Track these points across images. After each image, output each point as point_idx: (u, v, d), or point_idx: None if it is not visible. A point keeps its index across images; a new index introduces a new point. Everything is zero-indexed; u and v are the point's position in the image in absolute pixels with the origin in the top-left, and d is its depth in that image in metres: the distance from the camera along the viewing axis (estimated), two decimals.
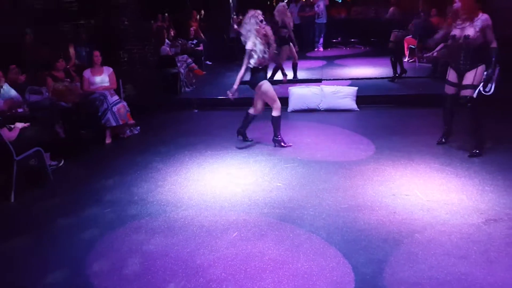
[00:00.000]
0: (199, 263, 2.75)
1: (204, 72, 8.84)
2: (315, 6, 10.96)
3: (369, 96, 6.42)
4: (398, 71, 7.41)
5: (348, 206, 3.40)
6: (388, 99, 6.46)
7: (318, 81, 7.37)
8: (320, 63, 9.56)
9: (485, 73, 4.04)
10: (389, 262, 2.66)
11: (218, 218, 3.33)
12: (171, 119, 6.46)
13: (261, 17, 4.53)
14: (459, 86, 4.23)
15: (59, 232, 3.30)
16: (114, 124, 5.30)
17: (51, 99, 4.93)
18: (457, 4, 4.12)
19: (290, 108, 6.42)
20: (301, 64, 9.60)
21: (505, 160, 4.09)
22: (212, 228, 3.17)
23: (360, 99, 6.27)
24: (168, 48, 7.95)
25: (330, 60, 9.74)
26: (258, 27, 4.48)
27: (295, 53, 7.50)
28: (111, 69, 5.66)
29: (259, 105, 4.88)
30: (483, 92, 4.03)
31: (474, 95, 4.05)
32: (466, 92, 4.16)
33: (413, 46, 8.58)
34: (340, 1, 14.76)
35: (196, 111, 6.83)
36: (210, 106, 6.90)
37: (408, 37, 8.90)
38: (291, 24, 7.43)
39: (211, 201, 3.63)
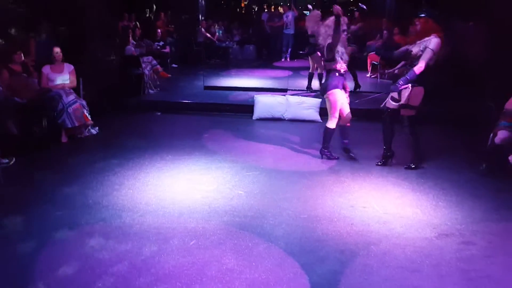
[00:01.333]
0: (154, 272, 2.65)
1: (169, 75, 8.67)
2: (284, 16, 11.12)
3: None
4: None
5: (307, 216, 3.43)
6: (351, 112, 6.60)
7: (283, 90, 7.44)
8: (286, 73, 9.68)
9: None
10: (345, 273, 2.69)
11: (176, 225, 3.24)
12: (133, 121, 6.27)
13: (345, 27, 4.47)
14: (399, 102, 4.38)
15: (6, 234, 3.08)
16: (69, 125, 5.08)
17: (5, 93, 4.63)
18: (417, 27, 4.29)
19: (255, 116, 6.43)
20: (267, 73, 9.74)
21: (459, 177, 4.27)
22: (169, 235, 3.08)
23: (324, 110, 6.38)
24: (133, 48, 7.76)
25: (296, 71, 9.88)
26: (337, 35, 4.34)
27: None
28: (72, 67, 5.43)
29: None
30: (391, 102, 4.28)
31: (381, 105, 4.31)
32: (403, 112, 4.33)
33: (375, 62, 8.90)
34: (308, 14, 15.08)
35: (159, 114, 6.68)
36: (174, 109, 6.78)
37: (371, 53, 9.24)
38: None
39: (169, 207, 3.53)
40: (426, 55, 4.07)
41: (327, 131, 4.61)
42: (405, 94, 4.23)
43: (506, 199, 3.83)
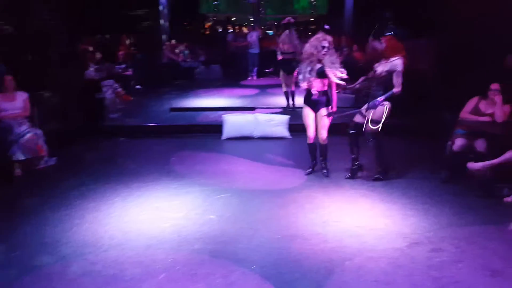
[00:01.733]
0: None
1: (132, 98, 8.46)
2: (248, 36, 11.25)
3: (300, 124, 6.55)
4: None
5: (282, 236, 3.35)
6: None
7: (252, 109, 7.42)
8: (253, 91, 9.71)
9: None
10: None
11: (143, 258, 3.05)
12: (94, 148, 5.97)
13: (326, 44, 4.37)
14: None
15: None
16: (21, 158, 4.77)
17: None
18: (381, 45, 4.37)
19: (224, 136, 6.34)
20: (235, 92, 9.72)
21: (423, 186, 4.36)
22: (137, 270, 2.89)
23: (292, 127, 6.39)
24: (93, 72, 7.51)
25: (263, 89, 9.93)
26: (315, 53, 4.36)
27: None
28: (26, 95, 5.15)
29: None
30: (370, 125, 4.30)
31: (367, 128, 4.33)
32: (368, 127, 4.37)
33: None
34: (271, 34, 15.39)
35: (122, 139, 6.43)
36: (139, 134, 6.54)
37: None
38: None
39: (136, 239, 3.34)
40: (399, 79, 4.22)
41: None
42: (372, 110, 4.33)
43: (467, 203, 3.98)
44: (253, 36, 11.08)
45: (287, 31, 7.41)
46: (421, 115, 6.29)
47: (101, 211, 3.87)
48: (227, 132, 6.35)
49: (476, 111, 4.55)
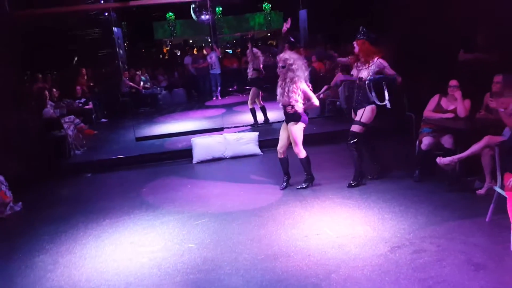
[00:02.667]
0: None
1: (95, 132, 8.22)
2: (208, 57, 11.29)
3: (269, 140, 6.61)
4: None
5: (264, 256, 3.30)
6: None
7: (220, 129, 7.40)
8: (219, 111, 9.70)
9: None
10: None
11: None
12: (61, 187, 5.73)
13: (281, 63, 4.40)
14: None
15: None
16: None
17: None
18: (356, 49, 4.48)
19: (195, 160, 6.26)
20: (201, 113, 9.68)
21: (398, 187, 4.46)
22: None
23: (263, 143, 6.42)
24: (51, 110, 7.25)
25: (229, 108, 9.96)
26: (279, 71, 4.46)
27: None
28: None
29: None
30: (378, 103, 4.38)
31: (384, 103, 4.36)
32: (353, 127, 4.53)
33: None
34: (231, 52, 15.54)
35: (89, 175, 6.20)
36: (106, 168, 6.32)
37: None
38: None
39: (113, 279, 3.19)
40: (391, 70, 4.38)
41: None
42: (359, 113, 4.47)
43: (442, 200, 4.07)
44: (213, 57, 11.14)
45: (249, 49, 7.58)
46: (388, 116, 6.44)
47: (75, 253, 3.68)
48: (197, 155, 6.28)
49: (438, 108, 4.70)
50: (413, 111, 5.65)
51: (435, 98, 4.77)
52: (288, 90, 4.37)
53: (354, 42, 4.49)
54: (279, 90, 4.47)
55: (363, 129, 4.48)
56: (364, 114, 4.45)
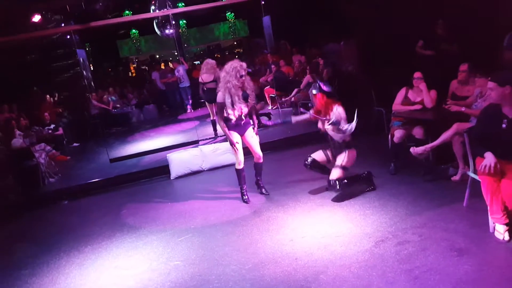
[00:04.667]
0: None
1: (68, 157, 8.03)
2: (176, 71, 11.25)
3: (245, 147, 6.64)
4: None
5: (252, 265, 3.31)
6: (263, 146, 6.76)
7: (195, 142, 7.36)
8: (193, 124, 9.65)
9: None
10: None
11: None
12: (37, 218, 5.56)
13: (243, 72, 4.33)
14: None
15: None
16: None
17: None
18: (316, 102, 4.37)
19: (173, 175, 6.20)
20: (175, 127, 9.60)
21: (376, 182, 4.48)
22: None
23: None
24: (21, 140, 7.03)
25: (202, 119, 9.92)
26: (236, 82, 4.30)
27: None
28: None
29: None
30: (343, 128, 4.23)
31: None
32: (333, 174, 4.27)
33: (273, 95, 9.37)
34: (198, 63, 15.50)
35: (65, 202, 6.03)
36: (82, 193, 6.16)
37: (266, 87, 9.73)
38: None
39: None
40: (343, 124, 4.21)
41: (236, 172, 4.66)
42: (341, 157, 4.31)
43: (419, 190, 4.18)
44: (180, 71, 11.09)
45: (207, 63, 7.38)
46: (358, 114, 6.53)
47: (59, 283, 3.59)
48: (175, 171, 6.23)
49: (406, 101, 4.81)
50: (383, 106, 5.80)
51: (402, 91, 4.87)
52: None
53: (313, 97, 4.39)
54: (237, 101, 4.42)
55: (344, 173, 4.30)
56: (345, 159, 4.29)
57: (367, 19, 6.72)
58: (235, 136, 4.51)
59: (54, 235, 4.74)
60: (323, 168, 4.57)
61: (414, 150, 4.19)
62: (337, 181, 4.21)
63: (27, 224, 5.38)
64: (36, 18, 7.55)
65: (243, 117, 4.50)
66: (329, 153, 4.51)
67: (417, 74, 4.75)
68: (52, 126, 8.60)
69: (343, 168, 4.28)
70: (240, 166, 4.60)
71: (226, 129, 4.48)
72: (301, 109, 4.47)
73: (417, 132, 4.62)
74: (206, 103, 7.50)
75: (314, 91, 4.36)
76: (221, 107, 4.42)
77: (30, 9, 7.32)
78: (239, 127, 4.52)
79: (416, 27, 5.99)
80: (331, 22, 8.37)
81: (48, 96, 9.80)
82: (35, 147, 7.03)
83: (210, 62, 7.32)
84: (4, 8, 6.65)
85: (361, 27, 7.01)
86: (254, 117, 4.67)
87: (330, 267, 3.08)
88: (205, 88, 7.23)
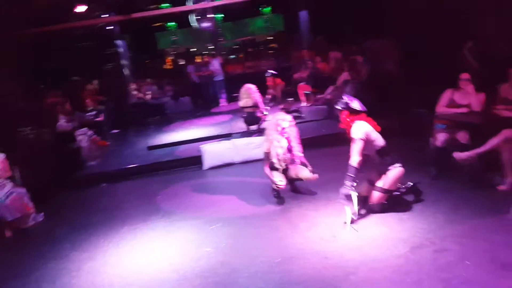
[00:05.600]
0: None
1: (108, 143, 8.38)
2: (210, 65, 11.41)
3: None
4: None
5: (281, 259, 3.34)
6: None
7: (228, 135, 7.48)
8: (226, 117, 9.79)
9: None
10: None
11: None
12: (78, 198, 5.87)
13: (285, 125, 4.45)
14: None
15: None
16: (10, 218, 4.69)
17: None
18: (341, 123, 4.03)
19: (205, 166, 6.35)
20: (208, 120, 9.77)
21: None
22: None
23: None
24: (65, 124, 7.41)
25: (236, 113, 10.04)
26: (276, 135, 4.42)
27: None
28: (2, 156, 5.05)
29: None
30: None
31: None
32: (374, 198, 3.89)
33: (307, 92, 9.33)
34: (233, 57, 15.64)
35: (104, 185, 6.33)
36: (120, 177, 6.44)
37: (301, 83, 9.70)
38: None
39: (135, 283, 3.29)
40: (355, 147, 3.73)
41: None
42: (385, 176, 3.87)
43: (461, 197, 3.95)
44: (215, 64, 11.25)
45: (243, 88, 7.42)
46: (397, 115, 6.34)
47: (97, 260, 3.79)
48: (208, 162, 6.37)
49: (451, 103, 4.51)
50: (425, 108, 5.57)
51: (447, 93, 4.56)
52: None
53: (338, 114, 4.00)
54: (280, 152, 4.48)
55: (386, 197, 3.87)
56: (388, 180, 3.79)
57: (411, 14, 6.46)
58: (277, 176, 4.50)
59: (93, 215, 5.00)
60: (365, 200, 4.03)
61: (458, 155, 3.99)
62: (376, 205, 3.85)
63: (69, 203, 5.70)
64: (81, 8, 7.88)
65: (290, 167, 4.52)
66: (373, 176, 3.96)
67: (465, 75, 4.46)
68: (94, 112, 8.98)
69: (386, 191, 3.82)
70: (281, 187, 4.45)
71: (269, 173, 4.55)
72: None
73: (462, 136, 4.38)
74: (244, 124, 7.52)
75: (339, 107, 3.94)
76: (267, 157, 4.54)
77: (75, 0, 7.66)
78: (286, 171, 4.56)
79: (466, 25, 5.65)
80: (372, 18, 8.14)
81: (90, 84, 10.22)
82: (78, 131, 7.37)
83: (246, 87, 7.36)
84: None
85: (404, 23, 6.74)
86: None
87: (361, 268, 3.03)
88: (244, 114, 7.39)
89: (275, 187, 4.50)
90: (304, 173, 4.53)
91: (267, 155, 4.55)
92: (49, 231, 4.72)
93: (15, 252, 4.28)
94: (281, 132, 4.47)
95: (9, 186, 4.89)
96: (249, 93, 7.30)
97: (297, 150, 4.57)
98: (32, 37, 6.95)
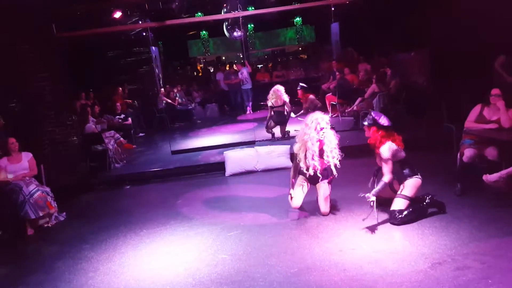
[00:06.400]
0: None
1: (134, 146, 8.58)
2: (239, 73, 11.50)
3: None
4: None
5: (298, 269, 3.27)
6: None
7: (252, 142, 7.48)
8: (251, 125, 9.80)
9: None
10: None
11: None
12: (101, 199, 6.00)
13: (324, 125, 4.12)
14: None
15: None
16: (33, 216, 4.82)
17: None
18: (367, 135, 4.04)
19: (227, 173, 6.35)
20: (233, 127, 9.82)
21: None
22: None
23: (294, 156, 6.41)
24: (93, 126, 7.64)
25: (260, 122, 10.03)
26: (315, 135, 4.09)
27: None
28: (30, 155, 5.25)
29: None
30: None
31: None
32: (396, 204, 3.92)
33: (334, 103, 9.22)
34: (260, 66, 15.71)
35: (128, 187, 6.44)
36: (143, 180, 6.55)
37: (328, 94, 9.60)
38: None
39: (150, 287, 3.28)
40: (387, 166, 3.85)
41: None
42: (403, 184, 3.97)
43: (486, 215, 3.85)
44: (244, 73, 11.33)
45: (272, 90, 7.69)
46: (425, 128, 6.21)
47: (114, 261, 3.83)
48: (230, 168, 6.37)
49: (481, 119, 4.44)
50: (453, 123, 5.44)
51: (477, 108, 4.52)
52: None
53: (366, 129, 4.02)
54: (311, 159, 4.19)
55: (407, 204, 3.89)
56: (408, 189, 3.91)
57: (442, 28, 6.35)
58: (300, 181, 4.35)
59: (114, 216, 5.08)
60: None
61: (487, 177, 3.88)
62: (397, 213, 3.86)
63: (92, 204, 5.82)
64: (117, 14, 8.15)
65: (319, 174, 4.19)
66: (395, 185, 4.07)
67: (495, 91, 4.39)
68: (122, 115, 9.21)
69: (406, 198, 3.89)
70: (295, 206, 4.38)
71: (292, 179, 4.39)
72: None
73: (490, 153, 4.27)
74: (272, 122, 7.80)
75: (365, 123, 3.96)
76: (295, 158, 4.31)
77: (111, 5, 7.93)
78: (314, 178, 4.28)
79: (499, 39, 5.51)
80: (402, 30, 8.05)
81: (120, 88, 10.53)
82: (105, 133, 7.58)
83: (275, 89, 7.71)
84: (88, 4, 7.28)
85: (435, 37, 6.62)
86: (331, 177, 4.34)
87: (380, 282, 2.96)
88: (273, 112, 7.71)
89: (289, 199, 4.37)
90: (321, 199, 4.30)
91: (297, 157, 4.27)
92: (70, 231, 4.83)
93: (35, 250, 4.39)
94: (318, 132, 4.12)
95: (34, 184, 5.04)
96: (278, 95, 7.62)
97: (331, 156, 4.13)
98: (68, 40, 7.23)
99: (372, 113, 4.00)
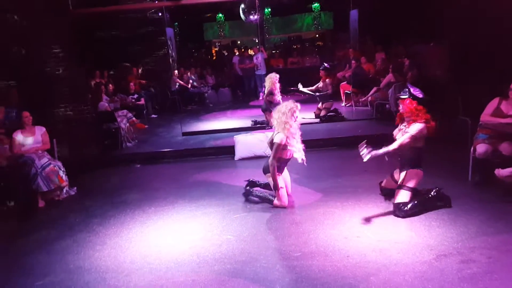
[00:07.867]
0: None
1: (146, 126, 8.65)
2: (254, 58, 11.42)
3: (311, 140, 6.56)
4: None
5: (301, 253, 3.29)
6: (330, 142, 6.66)
7: (262, 128, 7.47)
8: None
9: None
10: None
11: (163, 281, 3.05)
12: (112, 176, 6.09)
13: (297, 114, 4.24)
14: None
15: None
16: (45, 189, 4.92)
17: None
18: (401, 108, 3.97)
19: (237, 156, 6.37)
20: (245, 112, 9.81)
21: (449, 193, 4.09)
22: None
23: (303, 142, 6.39)
24: (106, 104, 7.71)
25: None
26: (293, 122, 4.20)
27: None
28: (43, 129, 5.33)
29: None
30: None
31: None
32: (400, 196, 3.89)
33: (348, 92, 9.10)
34: (276, 52, 15.56)
35: (138, 165, 6.52)
36: (153, 159, 6.64)
37: (343, 83, 9.48)
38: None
39: (155, 262, 3.34)
40: (406, 140, 3.80)
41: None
42: (401, 175, 3.98)
43: (496, 210, 3.80)
44: (259, 58, 11.24)
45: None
46: (441, 121, 6.09)
47: (121, 236, 3.90)
48: (239, 152, 6.38)
49: (497, 112, 4.31)
50: (469, 116, 5.34)
51: (495, 101, 4.38)
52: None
53: (400, 102, 3.97)
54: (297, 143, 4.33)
55: (411, 195, 3.86)
56: (410, 179, 3.90)
57: (462, 19, 6.18)
58: (281, 182, 4.34)
59: (123, 193, 5.16)
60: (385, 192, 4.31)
61: (499, 172, 3.81)
62: (402, 205, 3.82)
63: (102, 180, 5.91)
64: None
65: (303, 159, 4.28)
66: (396, 175, 4.13)
67: None
68: (136, 96, 9.28)
69: (410, 190, 3.86)
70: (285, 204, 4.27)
71: (277, 174, 4.27)
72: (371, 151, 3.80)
73: (505, 148, 4.19)
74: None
75: (403, 96, 3.95)
76: (283, 148, 4.23)
77: None
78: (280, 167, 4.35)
79: None
80: (422, 21, 7.86)
81: (135, 68, 10.57)
82: (118, 112, 7.65)
83: (273, 75, 7.51)
84: None
85: (455, 28, 6.46)
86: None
87: (382, 271, 2.95)
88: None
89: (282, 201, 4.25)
90: (289, 185, 4.43)
91: (283, 146, 4.19)
92: (79, 205, 4.92)
93: (45, 222, 4.49)
94: (295, 120, 4.23)
95: (46, 158, 5.14)
96: (273, 82, 7.40)
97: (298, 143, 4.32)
98: (85, 18, 7.26)
99: (408, 86, 4.06)
